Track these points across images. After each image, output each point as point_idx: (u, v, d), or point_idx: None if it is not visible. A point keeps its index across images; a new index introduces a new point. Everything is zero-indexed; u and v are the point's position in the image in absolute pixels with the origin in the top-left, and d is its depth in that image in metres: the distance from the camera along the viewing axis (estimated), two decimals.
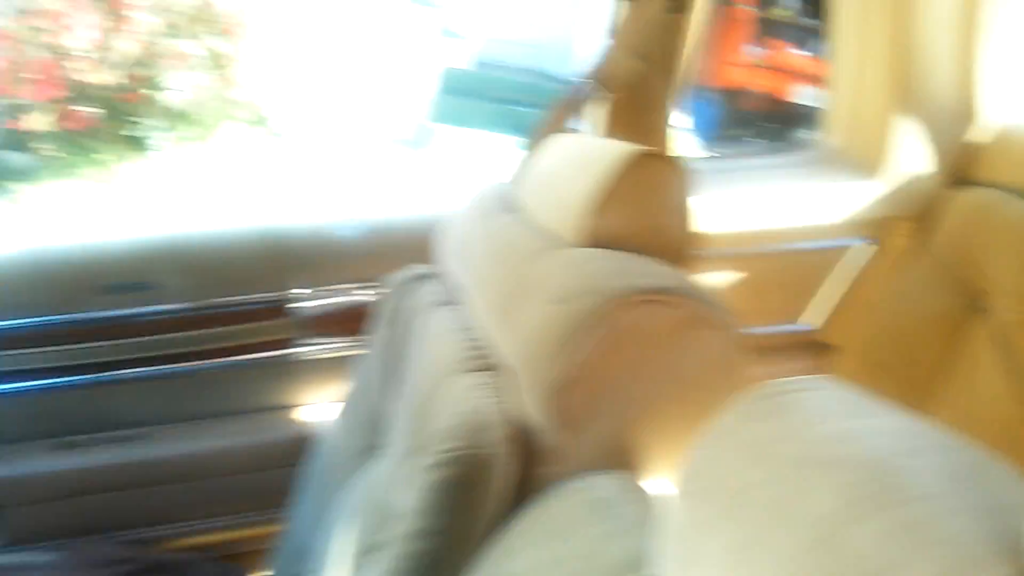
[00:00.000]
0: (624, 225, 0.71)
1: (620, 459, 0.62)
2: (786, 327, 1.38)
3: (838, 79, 1.31)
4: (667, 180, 0.73)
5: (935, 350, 1.16)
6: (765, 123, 4.77)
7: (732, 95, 4.94)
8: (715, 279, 1.31)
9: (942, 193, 1.25)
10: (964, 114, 1.25)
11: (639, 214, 0.73)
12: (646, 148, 0.72)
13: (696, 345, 0.63)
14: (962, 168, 1.25)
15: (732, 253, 1.30)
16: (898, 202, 1.27)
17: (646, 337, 0.62)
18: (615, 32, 1.17)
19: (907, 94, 1.23)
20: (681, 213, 0.74)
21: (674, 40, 1.13)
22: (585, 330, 0.59)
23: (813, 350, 1.35)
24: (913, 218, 1.28)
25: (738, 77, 4.93)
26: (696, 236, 0.75)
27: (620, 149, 0.72)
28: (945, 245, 1.21)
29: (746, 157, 1.37)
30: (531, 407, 0.64)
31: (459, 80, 4.97)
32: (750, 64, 4.94)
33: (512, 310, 0.69)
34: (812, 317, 1.38)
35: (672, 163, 0.73)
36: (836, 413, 0.38)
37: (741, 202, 1.27)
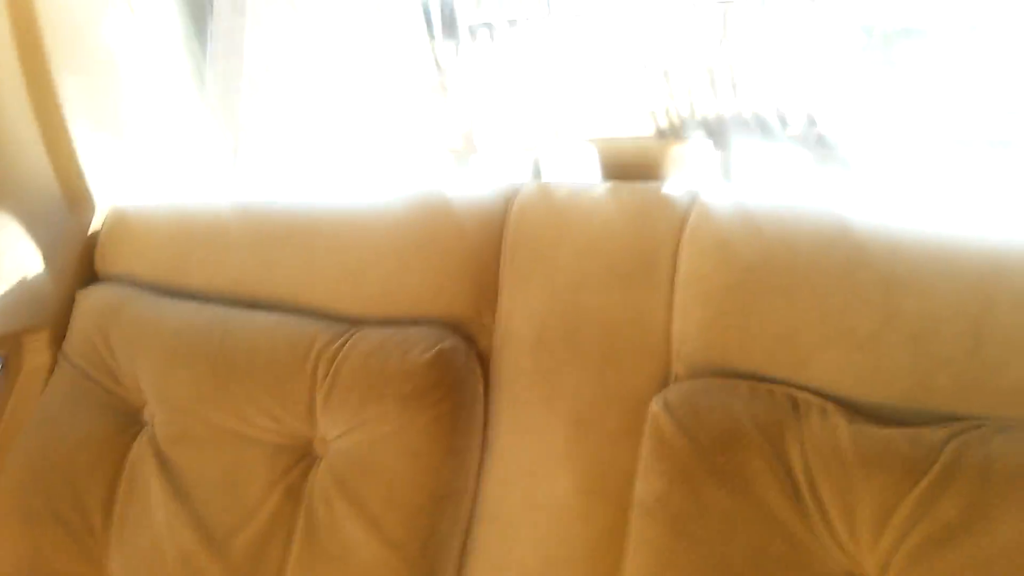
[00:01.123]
0: None
1: None
2: None
3: None
4: None
5: (105, 484, 0.98)
6: None
7: None
8: None
9: (69, 295, 1.08)
10: (76, 204, 1.10)
11: None
12: None
13: None
14: (86, 264, 1.10)
15: None
16: (20, 313, 1.04)
17: None
18: None
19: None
20: None
21: None
22: None
23: None
24: (44, 328, 1.07)
25: None
26: None
27: None
28: (84, 355, 1.04)
29: None
30: None
31: None
32: None
33: None
34: None
35: None
36: None
37: None
